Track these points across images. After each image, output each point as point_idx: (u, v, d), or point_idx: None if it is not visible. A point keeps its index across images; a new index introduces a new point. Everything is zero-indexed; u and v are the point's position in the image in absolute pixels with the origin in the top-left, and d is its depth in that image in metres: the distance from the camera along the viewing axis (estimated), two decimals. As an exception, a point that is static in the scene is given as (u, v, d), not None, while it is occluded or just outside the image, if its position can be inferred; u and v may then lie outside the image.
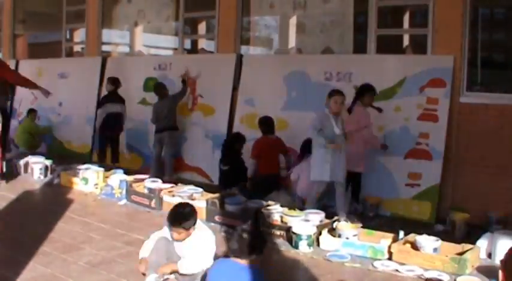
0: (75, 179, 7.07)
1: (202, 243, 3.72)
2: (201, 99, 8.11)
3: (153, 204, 6.04)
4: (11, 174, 7.61)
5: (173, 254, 3.73)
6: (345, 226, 4.96)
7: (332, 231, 4.94)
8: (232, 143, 6.99)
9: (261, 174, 6.58)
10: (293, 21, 8.62)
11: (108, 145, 8.45)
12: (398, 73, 6.37)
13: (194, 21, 9.86)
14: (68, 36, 11.08)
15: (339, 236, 4.80)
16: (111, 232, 5.15)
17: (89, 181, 6.89)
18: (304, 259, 4.55)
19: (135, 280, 3.95)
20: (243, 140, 6.94)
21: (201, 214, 5.64)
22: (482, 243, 4.66)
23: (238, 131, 7.30)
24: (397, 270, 4.22)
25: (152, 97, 8.69)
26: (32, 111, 9.95)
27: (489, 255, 4.58)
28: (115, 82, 8.37)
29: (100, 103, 8.52)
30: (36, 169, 7.62)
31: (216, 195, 5.90)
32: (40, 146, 9.97)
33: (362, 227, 5.08)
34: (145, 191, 6.25)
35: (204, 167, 7.83)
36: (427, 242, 4.47)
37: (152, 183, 6.35)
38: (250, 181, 6.65)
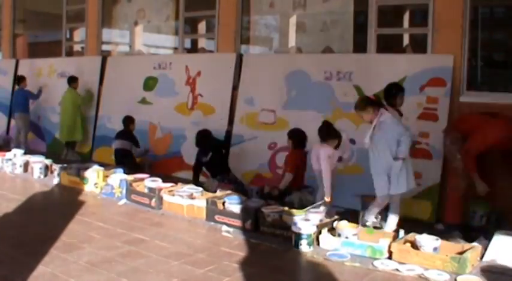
0: (75, 179, 7.07)
1: None
2: (200, 98, 8.11)
3: (153, 203, 6.04)
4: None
5: None
6: (344, 225, 4.96)
7: (332, 230, 4.94)
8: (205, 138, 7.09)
9: (293, 188, 6.16)
10: (293, 20, 8.62)
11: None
12: (398, 72, 6.36)
13: (194, 21, 9.86)
14: (68, 36, 11.09)
15: (339, 235, 4.81)
16: (111, 231, 5.15)
17: (89, 180, 6.89)
18: (304, 259, 4.55)
19: (135, 280, 3.96)
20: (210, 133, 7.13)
21: (201, 213, 5.66)
22: (483, 242, 4.66)
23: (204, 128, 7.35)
24: (397, 269, 4.22)
25: (152, 96, 8.71)
26: (73, 80, 9.53)
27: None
28: (124, 121, 8.32)
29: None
30: (36, 169, 7.63)
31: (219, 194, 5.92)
32: (82, 136, 9.54)
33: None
34: (146, 190, 6.25)
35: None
36: (427, 241, 4.47)
37: (152, 182, 6.35)
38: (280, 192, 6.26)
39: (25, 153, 8.52)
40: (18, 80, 10.20)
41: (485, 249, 4.52)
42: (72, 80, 9.49)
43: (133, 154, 8.24)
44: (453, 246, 4.56)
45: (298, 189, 6.13)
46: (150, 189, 6.20)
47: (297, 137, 6.28)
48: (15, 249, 4.54)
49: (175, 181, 6.72)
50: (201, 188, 6.16)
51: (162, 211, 5.94)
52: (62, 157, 9.13)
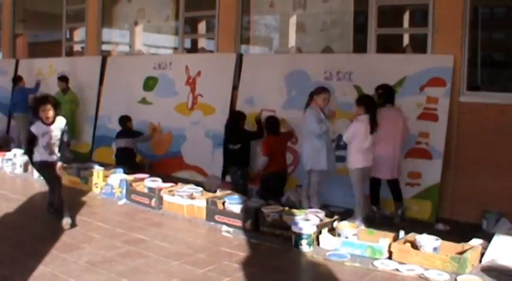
0: (75, 179, 7.07)
1: None
2: (201, 98, 8.11)
3: (153, 203, 6.05)
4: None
5: None
6: (344, 226, 4.97)
7: (332, 230, 4.94)
8: (236, 121, 7.04)
9: (271, 172, 6.52)
10: (293, 20, 8.61)
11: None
12: (398, 72, 6.37)
13: (194, 21, 9.85)
14: (68, 36, 11.08)
15: (339, 235, 4.81)
16: (111, 231, 5.15)
17: (89, 180, 6.88)
18: (304, 259, 4.55)
19: (135, 280, 3.96)
20: (245, 117, 7.03)
21: (201, 213, 5.66)
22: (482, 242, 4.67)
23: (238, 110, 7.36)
24: (397, 269, 4.22)
25: (152, 96, 8.71)
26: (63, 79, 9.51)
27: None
28: (121, 121, 8.25)
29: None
30: (36, 169, 7.62)
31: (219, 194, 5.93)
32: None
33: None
34: (145, 190, 6.25)
35: (204, 166, 7.83)
36: (427, 241, 4.48)
37: (152, 182, 6.35)
38: (260, 178, 6.67)
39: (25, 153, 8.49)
40: (15, 80, 10.15)
41: (485, 249, 4.53)
42: (62, 80, 9.47)
43: (135, 153, 8.21)
44: (453, 246, 4.56)
45: (278, 173, 6.50)
46: (150, 189, 6.20)
47: (268, 125, 6.67)
48: (15, 249, 4.54)
49: (175, 181, 6.73)
50: (201, 188, 6.17)
51: (162, 211, 5.94)
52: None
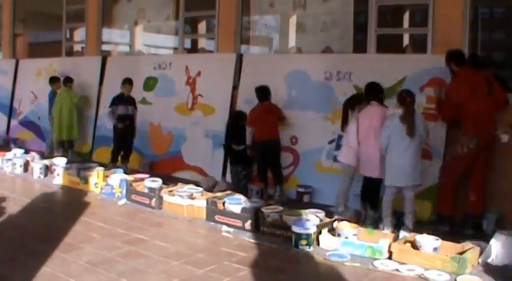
0: (75, 179, 7.07)
1: None
2: (201, 98, 8.12)
3: (153, 203, 6.05)
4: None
5: None
6: (344, 226, 4.97)
7: (332, 230, 4.94)
8: (238, 122, 7.12)
9: (258, 141, 6.69)
10: (293, 20, 8.63)
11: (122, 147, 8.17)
12: (398, 73, 6.37)
13: (194, 21, 9.87)
14: (68, 36, 11.09)
15: (339, 235, 4.81)
16: (111, 231, 5.15)
17: (89, 180, 6.89)
18: (304, 259, 4.55)
19: (135, 280, 3.96)
20: (246, 117, 7.09)
21: (201, 213, 5.66)
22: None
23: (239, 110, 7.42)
24: (397, 269, 4.22)
25: (152, 96, 8.72)
26: (69, 80, 9.35)
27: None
28: (128, 83, 8.18)
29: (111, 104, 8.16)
30: (36, 169, 7.63)
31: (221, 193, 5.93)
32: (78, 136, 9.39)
33: (362, 226, 5.09)
34: (146, 190, 6.25)
35: (204, 167, 7.84)
36: (427, 241, 4.48)
37: (152, 182, 6.35)
38: (249, 149, 6.87)
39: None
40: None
41: (485, 249, 4.52)
42: (68, 81, 9.41)
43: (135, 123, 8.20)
44: (453, 246, 4.56)
45: (260, 143, 6.65)
46: (150, 189, 6.20)
47: (258, 92, 6.81)
48: (16, 249, 4.54)
49: (175, 181, 6.73)
50: (201, 188, 6.17)
51: (162, 211, 5.94)
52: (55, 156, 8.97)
